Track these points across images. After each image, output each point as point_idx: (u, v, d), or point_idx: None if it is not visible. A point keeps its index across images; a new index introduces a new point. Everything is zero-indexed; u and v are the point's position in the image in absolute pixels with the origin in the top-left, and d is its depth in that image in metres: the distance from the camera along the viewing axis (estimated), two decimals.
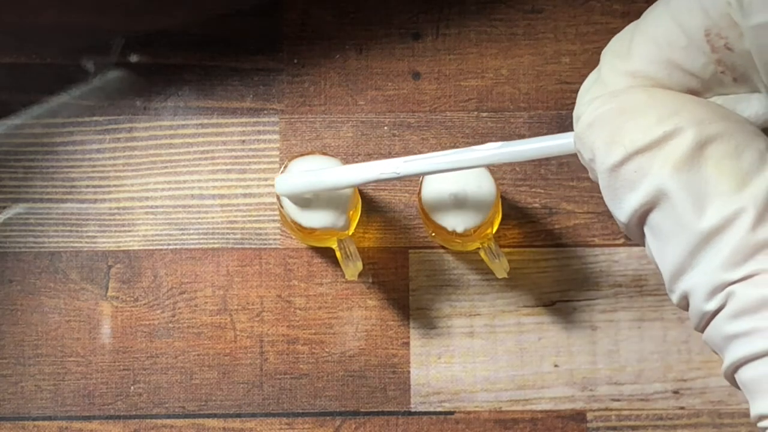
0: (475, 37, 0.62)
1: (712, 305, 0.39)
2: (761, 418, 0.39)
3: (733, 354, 0.39)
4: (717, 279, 0.39)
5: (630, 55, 0.42)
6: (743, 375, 0.39)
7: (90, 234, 0.61)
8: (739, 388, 0.40)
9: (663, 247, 0.40)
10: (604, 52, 0.44)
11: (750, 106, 0.42)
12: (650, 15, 0.42)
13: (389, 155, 0.61)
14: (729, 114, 0.41)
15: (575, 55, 0.62)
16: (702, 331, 0.40)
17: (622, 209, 0.41)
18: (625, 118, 0.40)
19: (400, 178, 0.52)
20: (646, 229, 0.41)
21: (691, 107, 0.40)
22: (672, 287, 0.40)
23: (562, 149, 0.46)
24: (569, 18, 0.62)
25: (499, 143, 0.49)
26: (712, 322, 0.39)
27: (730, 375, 0.40)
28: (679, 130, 0.39)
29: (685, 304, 0.40)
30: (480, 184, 0.56)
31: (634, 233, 0.41)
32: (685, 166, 0.39)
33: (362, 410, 0.60)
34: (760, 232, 0.38)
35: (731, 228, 0.38)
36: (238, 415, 0.60)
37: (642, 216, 0.40)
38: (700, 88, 0.42)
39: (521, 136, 0.61)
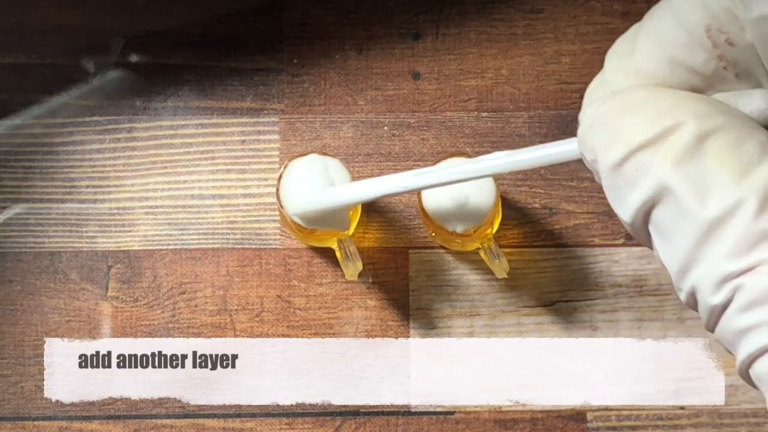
0: (475, 37, 0.62)
1: (719, 298, 0.39)
2: None
3: (746, 348, 0.39)
4: (722, 270, 0.38)
5: (633, 55, 0.42)
6: (758, 368, 0.39)
7: (90, 234, 0.61)
8: (754, 385, 0.40)
9: (668, 244, 0.40)
10: (608, 53, 0.44)
11: (751, 101, 0.42)
12: (652, 14, 0.42)
13: (389, 155, 0.61)
14: (729, 109, 0.41)
15: (575, 55, 0.62)
16: (713, 329, 0.40)
17: (626, 208, 0.41)
18: (624, 116, 0.40)
19: (410, 192, 0.52)
20: (651, 228, 0.41)
21: (690, 102, 0.40)
22: (680, 285, 0.40)
23: (568, 155, 0.46)
24: (569, 18, 0.62)
25: (506, 152, 0.49)
26: (722, 318, 0.39)
27: (745, 371, 0.39)
28: (678, 125, 0.39)
29: (693, 302, 0.40)
30: (480, 185, 0.56)
31: (640, 234, 0.41)
32: (686, 159, 0.39)
33: (362, 410, 0.60)
34: (762, 221, 0.38)
35: (734, 218, 0.38)
36: (238, 415, 0.60)
37: (646, 214, 0.40)
38: (702, 86, 0.42)
39: (521, 137, 0.61)
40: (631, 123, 0.40)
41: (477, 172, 0.50)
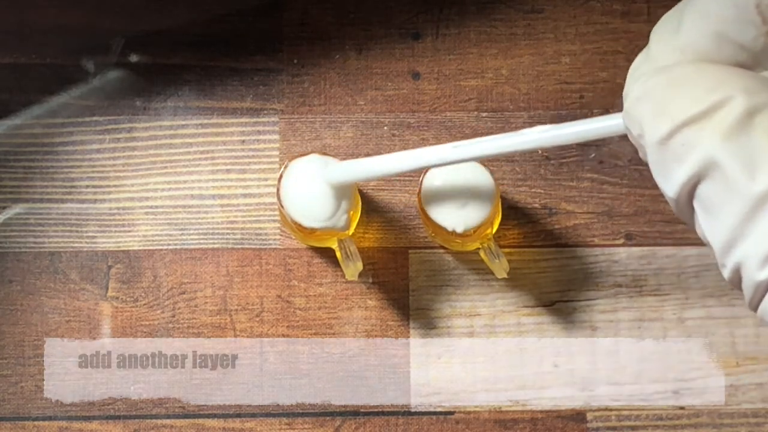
0: (475, 37, 0.62)
1: (766, 274, 0.38)
2: None
3: None
4: None
5: (679, 30, 0.42)
6: None
7: (90, 234, 0.61)
8: None
9: (713, 220, 0.39)
10: (654, 29, 0.43)
11: None
12: None
13: None
14: None
15: (575, 55, 0.62)
16: (756, 307, 0.39)
17: (671, 183, 0.40)
18: (672, 90, 0.40)
19: (450, 163, 0.51)
20: (695, 204, 0.40)
21: (738, 78, 0.40)
22: (724, 261, 0.40)
23: (612, 129, 0.46)
24: (569, 18, 0.62)
25: (548, 126, 0.48)
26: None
27: None
28: (727, 100, 0.39)
29: (737, 279, 0.40)
30: (480, 184, 0.56)
31: (684, 210, 0.41)
32: (734, 134, 0.39)
33: (362, 410, 0.60)
34: None
35: None
36: (238, 415, 0.60)
37: (692, 189, 0.40)
38: (750, 62, 0.41)
39: None
40: (678, 98, 0.40)
41: (517, 146, 0.49)
